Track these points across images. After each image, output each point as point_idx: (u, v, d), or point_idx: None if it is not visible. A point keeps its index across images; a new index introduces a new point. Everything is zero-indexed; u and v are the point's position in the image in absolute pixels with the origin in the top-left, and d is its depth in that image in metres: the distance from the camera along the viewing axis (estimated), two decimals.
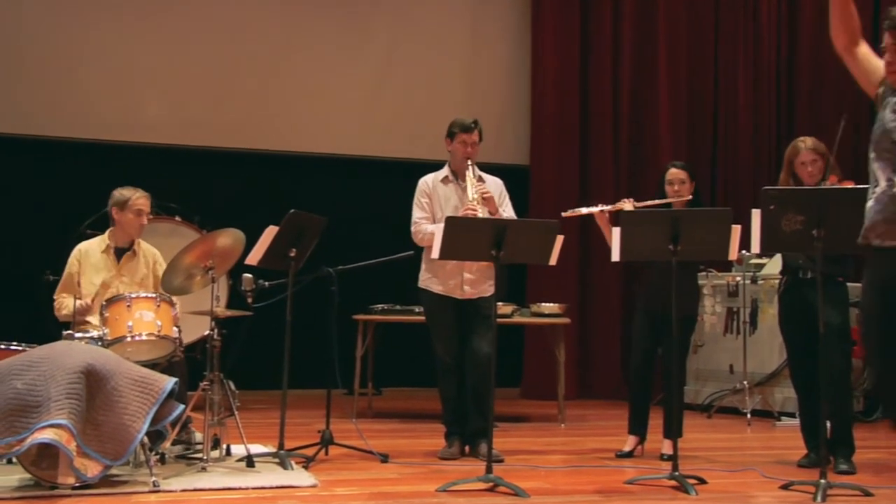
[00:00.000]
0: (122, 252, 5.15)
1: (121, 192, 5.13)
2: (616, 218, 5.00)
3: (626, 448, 5.37)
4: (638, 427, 5.38)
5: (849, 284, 5.11)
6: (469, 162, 5.24)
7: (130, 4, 7.93)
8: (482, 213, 5.07)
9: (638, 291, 5.76)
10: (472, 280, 5.26)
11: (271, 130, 8.26)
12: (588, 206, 5.56)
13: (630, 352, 5.63)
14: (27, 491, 4.02)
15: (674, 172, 5.38)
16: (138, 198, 5.11)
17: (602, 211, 5.39)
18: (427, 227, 5.30)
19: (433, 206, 5.35)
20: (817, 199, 4.35)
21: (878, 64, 3.43)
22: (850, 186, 4.82)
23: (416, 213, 5.37)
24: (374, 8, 8.58)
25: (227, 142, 8.12)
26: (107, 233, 5.21)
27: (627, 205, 5.28)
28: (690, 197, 5.33)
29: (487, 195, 5.19)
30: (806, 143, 5.02)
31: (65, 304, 5.04)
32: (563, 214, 5.33)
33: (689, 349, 6.50)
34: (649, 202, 5.32)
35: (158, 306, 4.70)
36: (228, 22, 8.17)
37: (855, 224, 4.31)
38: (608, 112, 8.78)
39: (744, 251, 5.79)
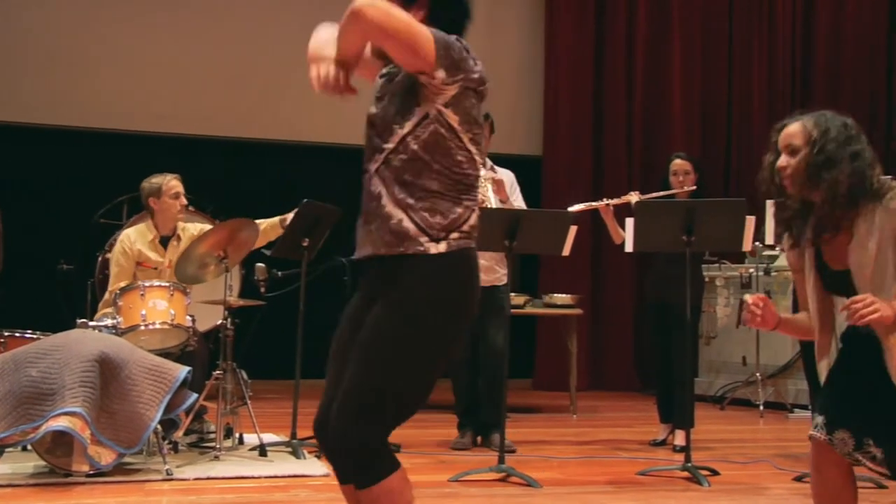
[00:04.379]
0: (166, 240, 5.06)
1: (150, 182, 5.02)
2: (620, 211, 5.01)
3: (660, 437, 5.41)
4: (668, 415, 5.40)
5: None
6: None
7: None
8: (491, 196, 5.06)
9: (647, 283, 5.78)
10: (485, 267, 5.26)
11: (284, 120, 8.27)
12: (594, 200, 5.59)
13: (645, 343, 5.66)
14: (42, 478, 4.05)
15: (678, 163, 5.39)
16: (169, 181, 5.01)
17: (607, 205, 5.40)
18: None
19: None
20: None
21: None
22: None
23: None
24: None
25: (239, 131, 8.13)
26: (146, 223, 5.09)
27: (634, 197, 5.30)
28: (695, 187, 5.34)
29: (498, 180, 5.18)
30: None
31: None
32: (570, 209, 5.32)
33: (698, 339, 6.52)
34: (654, 194, 5.34)
35: (172, 295, 4.70)
36: (242, 10, 8.17)
37: None
38: (622, 104, 8.75)
39: (757, 242, 5.79)
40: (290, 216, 4.97)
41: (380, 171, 2.33)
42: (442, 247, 2.28)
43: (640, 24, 8.81)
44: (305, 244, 4.94)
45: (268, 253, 5.10)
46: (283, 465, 4.46)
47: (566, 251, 4.86)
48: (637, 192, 5.40)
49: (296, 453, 4.66)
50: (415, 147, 2.29)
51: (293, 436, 4.79)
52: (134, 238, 5.03)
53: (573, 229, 4.81)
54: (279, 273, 5.20)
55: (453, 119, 2.30)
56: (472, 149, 2.34)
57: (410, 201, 2.28)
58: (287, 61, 8.33)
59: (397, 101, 2.32)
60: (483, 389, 5.24)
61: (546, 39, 8.75)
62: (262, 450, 4.62)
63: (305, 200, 4.93)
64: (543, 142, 8.72)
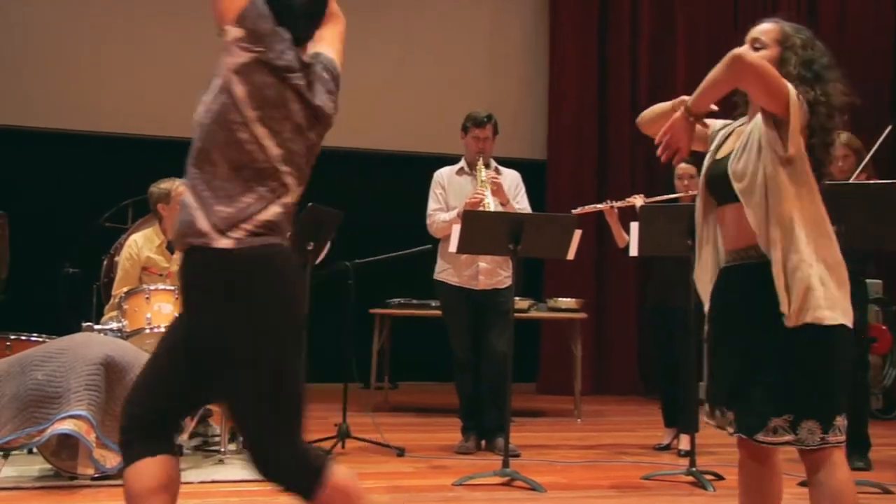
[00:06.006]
0: (173, 245, 5.07)
1: (159, 188, 5.04)
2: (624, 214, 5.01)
3: (665, 441, 5.41)
4: (673, 419, 5.40)
5: (868, 281, 5.08)
6: (480, 157, 5.26)
7: None
8: (490, 199, 5.07)
9: (649, 286, 5.78)
10: (486, 270, 5.27)
11: None
12: (600, 202, 5.60)
13: (648, 347, 5.65)
14: (47, 481, 4.06)
15: (683, 167, 5.39)
16: (178, 186, 4.97)
17: (612, 207, 5.41)
18: (442, 215, 5.32)
19: (447, 197, 5.37)
20: (836, 195, 4.30)
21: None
22: (869, 181, 4.78)
23: (431, 205, 5.40)
24: (391, 1, 8.57)
25: None
26: (154, 228, 5.11)
27: (638, 200, 5.30)
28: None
29: (496, 181, 5.19)
30: (839, 137, 4.94)
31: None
32: (574, 212, 5.32)
33: (701, 343, 6.50)
34: (658, 197, 5.34)
35: (177, 299, 4.71)
36: None
37: (875, 220, 4.29)
38: (626, 107, 8.74)
39: None
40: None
41: (189, 159, 2.22)
42: (227, 242, 2.11)
43: (644, 26, 8.81)
44: (310, 248, 4.95)
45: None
46: None
47: (571, 255, 4.86)
48: (641, 195, 5.41)
49: None
50: (207, 121, 2.18)
51: None
52: (141, 244, 5.05)
53: (578, 233, 4.81)
54: None
55: (240, 90, 2.16)
56: (259, 131, 2.15)
57: (201, 187, 2.15)
58: None
59: (213, 81, 2.23)
60: (487, 393, 5.23)
61: (550, 43, 8.75)
62: None
63: (310, 204, 4.93)
64: (548, 145, 8.72)
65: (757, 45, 2.79)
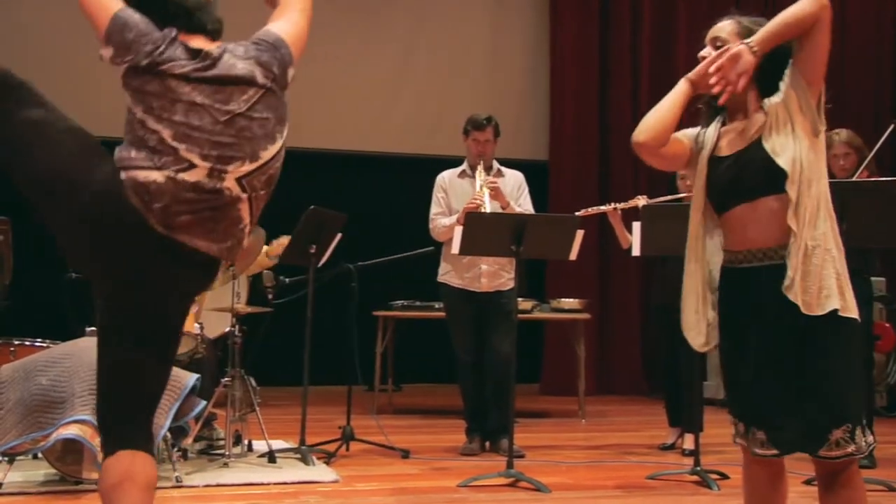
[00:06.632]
0: None
1: None
2: (628, 216, 5.02)
3: (669, 441, 5.41)
4: (677, 419, 5.40)
5: (872, 279, 5.08)
6: (481, 160, 5.26)
7: None
8: (488, 203, 5.08)
9: (652, 286, 5.79)
10: (489, 272, 5.27)
11: (289, 127, 8.26)
12: (602, 205, 5.61)
13: (652, 347, 5.65)
14: (52, 486, 4.07)
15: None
16: None
17: (615, 209, 5.41)
18: (443, 220, 5.33)
19: (449, 200, 5.38)
20: (838, 193, 4.29)
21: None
22: (872, 179, 4.78)
23: (433, 209, 5.41)
24: (392, 3, 8.58)
25: None
26: None
27: (641, 201, 5.31)
28: None
29: (494, 186, 5.19)
30: (840, 135, 4.94)
31: None
32: (578, 214, 5.31)
33: None
34: (661, 198, 5.35)
35: None
36: (242, 16, 8.18)
37: (879, 218, 4.30)
38: (627, 107, 8.75)
39: None
40: (274, 248, 5.01)
41: None
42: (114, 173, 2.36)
43: (645, 26, 8.81)
44: (312, 251, 4.96)
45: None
46: (293, 471, 4.47)
47: (573, 255, 4.86)
48: (644, 196, 5.41)
49: (305, 460, 4.67)
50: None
51: (302, 442, 4.80)
52: None
53: (580, 233, 4.81)
54: (286, 280, 5.21)
55: (127, 98, 2.38)
56: (149, 121, 2.35)
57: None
58: None
59: None
60: (491, 395, 5.24)
61: (551, 44, 8.76)
62: (271, 456, 4.62)
63: (312, 207, 4.94)
64: (549, 146, 8.72)
65: (718, 44, 2.63)
